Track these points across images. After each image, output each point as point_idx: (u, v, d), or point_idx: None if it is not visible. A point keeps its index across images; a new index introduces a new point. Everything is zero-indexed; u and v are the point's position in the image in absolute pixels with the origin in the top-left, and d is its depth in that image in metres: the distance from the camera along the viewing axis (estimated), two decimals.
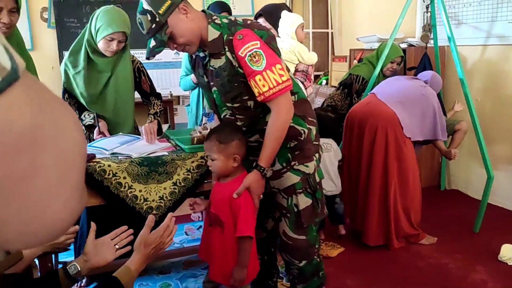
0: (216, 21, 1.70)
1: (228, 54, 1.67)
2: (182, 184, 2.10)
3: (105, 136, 2.27)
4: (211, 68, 1.73)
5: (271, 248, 2.10)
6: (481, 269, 2.55)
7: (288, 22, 2.34)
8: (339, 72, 4.56)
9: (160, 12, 1.60)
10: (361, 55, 4.21)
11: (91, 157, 2.04)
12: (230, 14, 2.86)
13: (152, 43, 1.65)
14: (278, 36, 2.40)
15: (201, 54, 1.76)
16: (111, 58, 2.29)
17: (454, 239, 2.93)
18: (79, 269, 1.37)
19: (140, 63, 2.47)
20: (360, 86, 3.32)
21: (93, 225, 1.49)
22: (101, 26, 2.19)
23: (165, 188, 2.08)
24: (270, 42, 1.67)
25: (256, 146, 1.82)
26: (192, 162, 2.12)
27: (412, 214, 2.81)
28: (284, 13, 2.39)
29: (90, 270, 1.41)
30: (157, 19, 1.61)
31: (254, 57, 1.61)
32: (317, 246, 1.94)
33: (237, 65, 1.66)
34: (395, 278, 2.49)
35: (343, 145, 3.00)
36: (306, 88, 2.34)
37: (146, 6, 1.62)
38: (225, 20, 1.70)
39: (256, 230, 1.99)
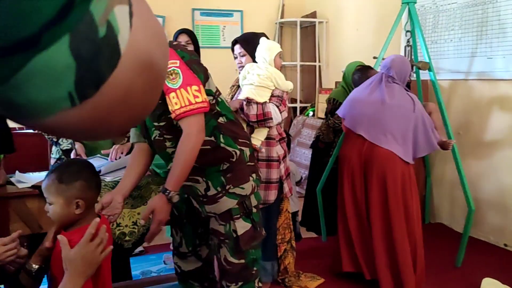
0: None
1: None
2: None
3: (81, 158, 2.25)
4: None
5: (209, 275, 2.10)
6: None
7: (267, 48, 2.37)
8: (325, 104, 4.61)
9: None
10: None
11: None
12: (190, 36, 3.03)
13: None
14: (255, 62, 2.42)
15: None
16: None
17: (436, 273, 2.88)
18: (38, 266, 1.37)
19: None
20: (333, 107, 3.35)
21: (63, 239, 1.32)
22: None
23: (139, 213, 2.04)
24: (191, 64, 1.68)
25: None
26: None
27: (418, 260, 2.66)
28: (263, 40, 2.42)
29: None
30: None
31: (171, 74, 1.62)
32: (255, 269, 1.92)
33: None
34: None
35: (340, 188, 2.83)
36: (281, 112, 2.34)
37: None
38: None
39: (190, 259, 2.03)
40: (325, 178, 3.32)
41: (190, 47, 3.08)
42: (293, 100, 5.45)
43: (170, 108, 1.63)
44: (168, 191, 1.64)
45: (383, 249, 2.61)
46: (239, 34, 5.29)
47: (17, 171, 2.12)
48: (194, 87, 1.63)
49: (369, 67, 3.13)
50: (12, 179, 2.06)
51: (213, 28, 5.35)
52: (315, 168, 3.69)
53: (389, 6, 4.12)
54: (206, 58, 3.81)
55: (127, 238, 2.00)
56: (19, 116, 0.33)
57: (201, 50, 3.35)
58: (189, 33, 3.09)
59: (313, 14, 5.41)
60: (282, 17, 5.55)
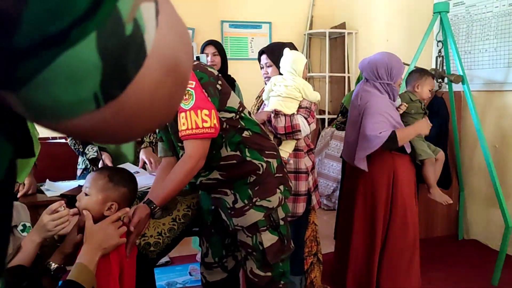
0: None
1: None
2: (182, 220, 2.06)
3: None
4: None
5: (235, 287, 2.10)
6: None
7: (294, 61, 2.33)
8: None
9: None
10: None
11: None
12: (217, 47, 3.07)
13: None
14: (280, 73, 2.39)
15: None
16: None
17: None
18: (57, 265, 1.36)
19: None
20: (341, 108, 3.59)
21: (88, 214, 1.41)
22: None
23: (163, 224, 2.03)
24: (208, 86, 1.68)
25: (216, 183, 1.81)
26: (193, 198, 2.08)
27: None
28: (287, 51, 2.37)
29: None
30: None
31: (185, 95, 1.61)
32: (282, 283, 1.89)
33: None
34: None
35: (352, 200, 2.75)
36: (309, 124, 2.30)
37: None
38: None
39: (216, 270, 2.03)
40: None
41: (217, 58, 3.11)
42: (322, 112, 5.41)
43: (178, 126, 1.65)
44: (154, 205, 1.64)
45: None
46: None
47: (47, 180, 2.16)
48: (205, 111, 1.63)
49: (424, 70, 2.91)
50: (42, 188, 2.10)
51: (241, 40, 5.38)
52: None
53: (420, 16, 4.04)
54: (234, 69, 3.84)
55: (151, 248, 1.99)
56: (42, 117, 0.32)
57: (230, 62, 3.37)
58: (216, 44, 3.12)
59: (342, 25, 5.37)
60: (310, 28, 5.53)
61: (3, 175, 0.34)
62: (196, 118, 1.61)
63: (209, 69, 1.75)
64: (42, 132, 2.75)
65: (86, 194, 1.44)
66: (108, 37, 0.29)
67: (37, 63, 0.28)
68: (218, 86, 1.74)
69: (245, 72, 4.71)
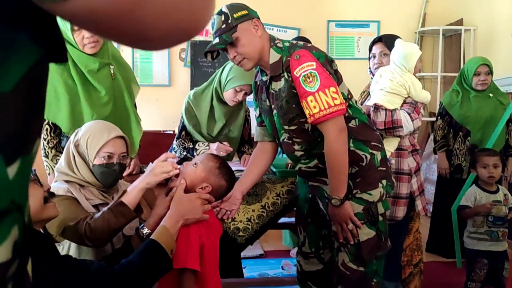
0: (278, 44, 1.72)
1: (285, 75, 1.68)
2: (271, 208, 2.08)
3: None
4: (272, 91, 1.75)
5: (329, 280, 1.98)
6: None
7: (406, 55, 2.15)
8: None
9: (235, 16, 1.66)
10: None
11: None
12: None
13: (216, 40, 1.68)
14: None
15: (264, 78, 1.79)
16: (229, 108, 2.38)
17: None
18: (150, 230, 1.44)
19: (248, 111, 2.54)
20: (439, 110, 3.41)
21: (183, 183, 1.51)
22: (234, 77, 2.27)
23: (253, 210, 2.07)
24: (326, 65, 1.66)
25: (316, 172, 1.77)
26: (282, 186, 2.09)
27: None
28: (400, 43, 2.18)
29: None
30: (229, 21, 1.66)
31: (308, 77, 1.60)
32: (374, 281, 1.79)
33: (293, 86, 1.67)
34: None
35: None
36: (413, 120, 2.11)
37: (224, 9, 1.69)
38: (286, 44, 1.73)
39: (312, 260, 1.97)
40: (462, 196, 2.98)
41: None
42: (432, 114, 5.06)
43: (307, 112, 1.63)
44: (333, 198, 1.68)
45: None
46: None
47: (150, 163, 2.32)
48: (332, 89, 1.61)
49: None
50: (145, 170, 2.26)
51: (347, 39, 5.26)
52: (442, 183, 3.48)
53: None
54: (340, 69, 3.74)
55: (240, 233, 2.04)
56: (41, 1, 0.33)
57: (336, 62, 3.30)
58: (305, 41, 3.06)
59: (459, 22, 4.97)
60: (423, 25, 5.22)
61: (13, 84, 0.35)
62: (326, 98, 1.60)
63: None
64: (155, 125, 3.14)
65: (194, 164, 1.55)
66: None
67: None
68: (334, 66, 1.74)
69: (352, 73, 4.56)
